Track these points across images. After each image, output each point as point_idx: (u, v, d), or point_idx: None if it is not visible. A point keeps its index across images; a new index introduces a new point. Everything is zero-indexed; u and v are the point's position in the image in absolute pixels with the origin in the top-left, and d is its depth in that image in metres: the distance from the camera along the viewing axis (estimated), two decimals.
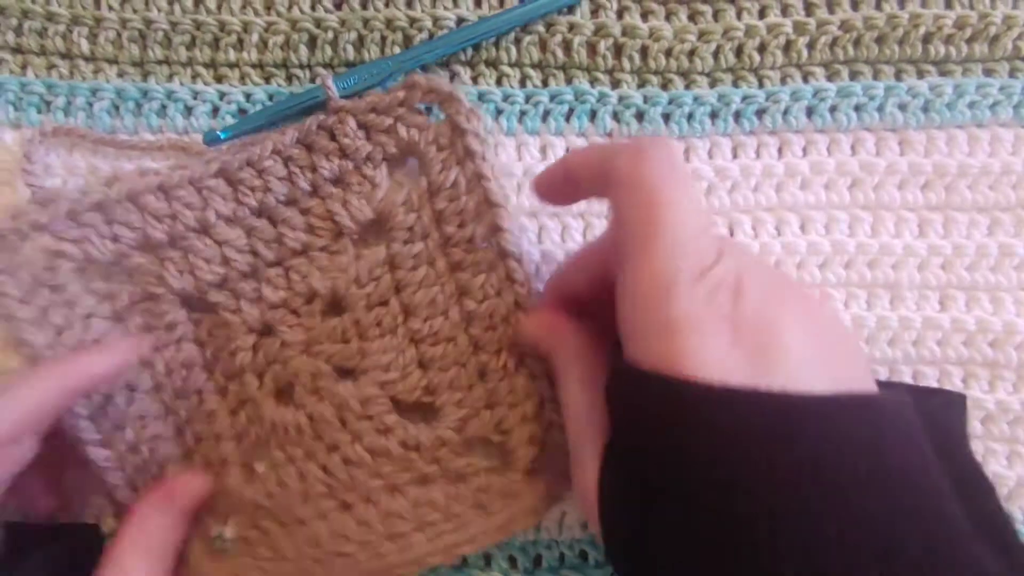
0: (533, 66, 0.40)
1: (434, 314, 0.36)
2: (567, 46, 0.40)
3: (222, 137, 0.38)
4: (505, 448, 0.36)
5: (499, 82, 0.40)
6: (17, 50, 0.40)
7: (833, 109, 0.39)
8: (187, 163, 0.36)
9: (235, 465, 0.37)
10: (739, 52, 0.40)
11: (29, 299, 0.35)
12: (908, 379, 0.39)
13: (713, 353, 0.24)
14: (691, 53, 0.39)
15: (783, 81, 0.39)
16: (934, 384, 0.39)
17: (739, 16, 0.40)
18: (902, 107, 0.39)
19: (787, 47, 0.39)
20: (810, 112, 0.39)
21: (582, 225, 0.39)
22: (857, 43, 0.39)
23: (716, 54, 0.39)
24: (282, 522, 0.36)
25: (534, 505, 0.36)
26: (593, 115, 0.39)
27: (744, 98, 0.39)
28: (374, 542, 0.36)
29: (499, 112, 0.39)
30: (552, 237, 0.39)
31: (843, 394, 0.24)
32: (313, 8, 0.40)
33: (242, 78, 0.40)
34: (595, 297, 0.32)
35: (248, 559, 0.36)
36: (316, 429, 0.37)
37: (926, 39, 0.39)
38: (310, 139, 0.37)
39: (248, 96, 0.39)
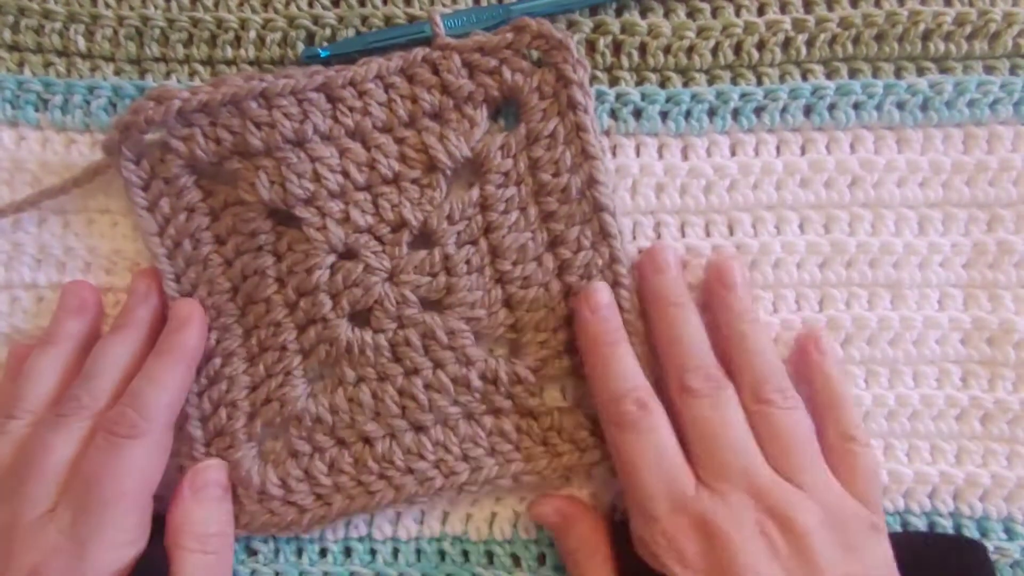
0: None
1: (523, 259, 0.37)
2: None
3: (322, 55, 0.38)
4: (581, 395, 0.38)
5: None
6: (14, 48, 0.40)
7: (832, 107, 0.39)
8: (292, 72, 0.37)
9: (298, 378, 0.38)
10: (738, 49, 0.39)
11: (147, 186, 0.37)
12: (909, 379, 0.39)
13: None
14: (689, 50, 0.39)
15: (782, 79, 0.39)
16: (933, 384, 0.39)
17: (738, 13, 0.39)
18: (901, 105, 0.39)
19: (786, 44, 0.39)
20: (808, 110, 0.39)
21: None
22: (856, 40, 0.39)
23: (715, 51, 0.39)
24: (341, 439, 0.38)
25: (597, 460, 0.37)
26: None
27: (742, 96, 0.39)
28: (449, 462, 0.37)
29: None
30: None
31: None
32: (311, 5, 0.40)
33: None
34: None
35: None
36: (396, 353, 0.37)
37: (925, 36, 0.39)
38: (413, 70, 0.37)
39: None
